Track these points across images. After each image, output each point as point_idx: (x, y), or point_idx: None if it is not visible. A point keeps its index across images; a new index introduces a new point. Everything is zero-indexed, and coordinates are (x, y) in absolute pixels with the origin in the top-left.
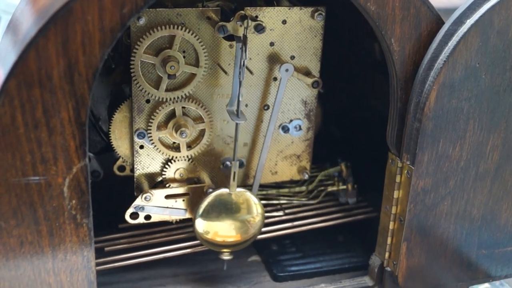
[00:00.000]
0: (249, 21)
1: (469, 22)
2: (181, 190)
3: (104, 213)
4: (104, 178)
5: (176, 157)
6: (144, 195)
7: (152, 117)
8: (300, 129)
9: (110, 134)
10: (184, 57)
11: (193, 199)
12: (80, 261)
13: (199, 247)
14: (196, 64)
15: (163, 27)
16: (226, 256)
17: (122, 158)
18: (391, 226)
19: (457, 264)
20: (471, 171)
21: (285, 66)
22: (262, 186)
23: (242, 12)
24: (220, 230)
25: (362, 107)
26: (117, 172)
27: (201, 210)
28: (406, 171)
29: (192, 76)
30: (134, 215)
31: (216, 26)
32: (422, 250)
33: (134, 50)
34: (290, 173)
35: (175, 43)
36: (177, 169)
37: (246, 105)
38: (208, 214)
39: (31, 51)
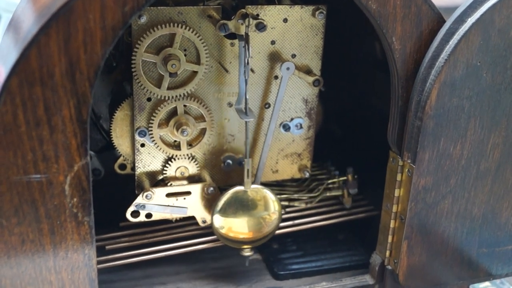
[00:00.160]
0: (250, 19)
1: (470, 20)
2: (182, 188)
3: (105, 212)
4: (105, 177)
5: (177, 156)
6: (145, 194)
7: (154, 115)
8: (301, 127)
9: (111, 132)
10: (185, 55)
11: (194, 197)
12: (81, 259)
13: (200, 245)
14: (198, 62)
15: (163, 25)
16: (247, 252)
17: (123, 156)
18: (392, 225)
19: (457, 262)
20: (472, 169)
21: (286, 65)
22: (263, 185)
23: (243, 10)
24: (240, 227)
25: (363, 106)
26: (118, 171)
27: (218, 207)
28: (407, 170)
29: (194, 74)
30: (135, 214)
31: (217, 24)
32: (423, 248)
33: (135, 49)
34: (291, 171)
35: (175, 41)
36: (178, 168)
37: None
38: (226, 211)
39: (32, 49)
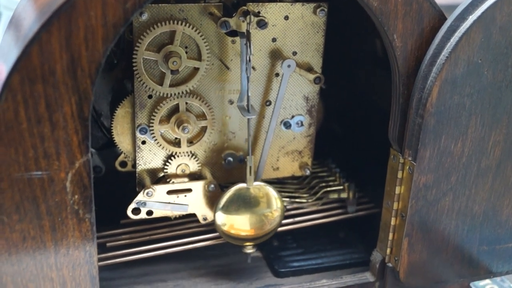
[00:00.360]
0: (252, 16)
1: (472, 18)
2: (183, 185)
3: (106, 209)
4: (105, 174)
5: (178, 153)
6: (146, 191)
7: (155, 112)
8: (302, 125)
9: (112, 129)
10: (186, 52)
11: (195, 194)
12: (82, 256)
13: (201, 242)
14: (199, 58)
15: (163, 23)
16: (249, 250)
17: (124, 153)
18: (392, 222)
19: (458, 260)
20: (472, 167)
21: (287, 62)
22: (264, 182)
23: (244, 7)
24: (242, 224)
25: (364, 103)
26: (119, 168)
27: (221, 204)
28: (408, 167)
29: (195, 70)
30: (136, 211)
31: (219, 21)
32: (423, 246)
33: (136, 47)
34: (291, 169)
35: (176, 38)
36: (179, 165)
37: None
38: (228, 208)
39: (34, 46)
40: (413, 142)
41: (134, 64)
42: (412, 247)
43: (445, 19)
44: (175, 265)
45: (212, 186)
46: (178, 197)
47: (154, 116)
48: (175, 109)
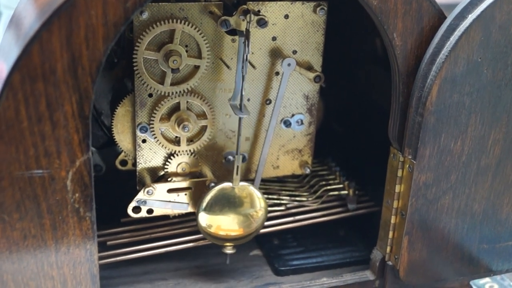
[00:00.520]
0: (252, 15)
1: (471, 16)
2: (183, 184)
3: (106, 208)
4: (106, 173)
5: (178, 151)
6: (147, 189)
7: (155, 110)
8: (302, 123)
9: (112, 128)
10: (186, 51)
11: (195, 193)
12: (83, 254)
13: (201, 241)
14: (199, 56)
15: (163, 22)
16: (229, 250)
17: (125, 152)
18: (392, 220)
19: (458, 258)
20: (472, 165)
21: (287, 61)
22: (264, 181)
23: (244, 6)
24: (223, 224)
25: (364, 102)
26: (119, 167)
27: (204, 204)
28: (407, 166)
29: (196, 69)
30: (137, 209)
31: (219, 20)
32: (423, 244)
33: (136, 46)
34: (291, 167)
35: (175, 37)
36: (179, 163)
37: (248, 100)
38: (211, 208)
39: (34, 44)
40: (413, 141)
41: (134, 64)
42: (412, 246)
43: (445, 18)
44: (176, 264)
45: (213, 184)
46: (178, 195)
47: (155, 114)
48: (175, 108)
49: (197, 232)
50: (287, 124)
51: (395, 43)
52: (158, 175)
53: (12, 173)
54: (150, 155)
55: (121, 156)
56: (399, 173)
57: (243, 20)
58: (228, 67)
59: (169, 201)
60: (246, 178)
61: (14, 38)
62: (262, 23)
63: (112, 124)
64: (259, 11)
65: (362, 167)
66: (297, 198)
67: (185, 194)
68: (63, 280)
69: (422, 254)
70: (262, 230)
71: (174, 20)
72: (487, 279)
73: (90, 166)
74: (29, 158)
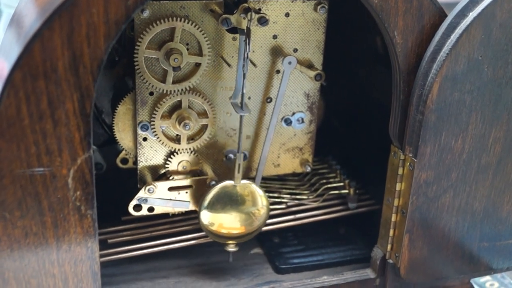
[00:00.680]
0: (253, 13)
1: (472, 15)
2: (184, 182)
3: (107, 206)
4: (107, 171)
5: (179, 150)
6: (148, 187)
7: (157, 108)
8: (303, 121)
9: (113, 126)
10: (187, 49)
11: (196, 191)
12: (84, 252)
13: (202, 239)
14: (200, 54)
15: (163, 20)
16: (231, 248)
17: (125, 150)
18: (393, 219)
19: (458, 256)
20: (473, 163)
21: (288, 59)
22: (265, 179)
23: (245, 4)
24: (225, 222)
25: (364, 100)
26: (120, 165)
27: (206, 202)
28: (408, 164)
29: (197, 66)
30: (137, 207)
31: (220, 18)
32: (424, 242)
33: (137, 45)
34: (292, 165)
35: (175, 35)
36: (180, 162)
37: (249, 98)
38: (213, 206)
39: (36, 43)
40: (413, 139)
41: (135, 63)
42: (413, 244)
43: (446, 16)
44: (177, 262)
45: (213, 182)
46: (179, 193)
47: (156, 112)
48: (176, 106)
49: (198, 230)
50: (288, 122)
51: (396, 41)
52: (159, 173)
53: (13, 171)
54: (151, 153)
55: (122, 154)
56: (400, 171)
57: (244, 18)
58: (228, 65)
59: (170, 199)
60: (247, 176)
61: (15, 37)
62: (263, 21)
63: (113, 122)
64: (260, 9)
65: (363, 165)
66: (298, 197)
67: (186, 192)
68: (64, 278)
69: (423, 252)
70: (263, 228)
71: (174, 18)
72: (487, 277)
73: (91, 164)
74: (31, 156)
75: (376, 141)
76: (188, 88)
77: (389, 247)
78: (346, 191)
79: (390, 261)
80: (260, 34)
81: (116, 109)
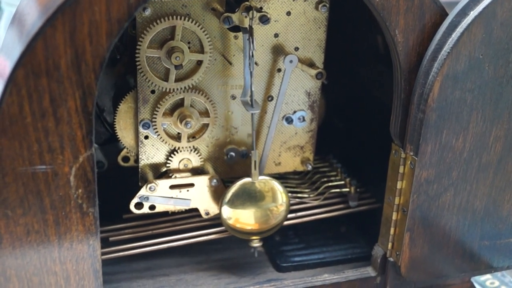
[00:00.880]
0: (254, 12)
1: (473, 13)
2: (185, 180)
3: (108, 204)
4: (108, 169)
5: (180, 148)
6: (149, 185)
7: (158, 106)
8: (304, 120)
9: (114, 124)
10: (189, 48)
11: (198, 189)
12: (86, 250)
13: (203, 237)
14: (201, 51)
15: (164, 19)
16: (256, 243)
17: (127, 148)
18: (394, 217)
19: (459, 255)
20: (474, 162)
21: (289, 57)
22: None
23: (247, 3)
24: (247, 218)
25: (365, 99)
26: (121, 163)
27: (227, 199)
28: (409, 162)
29: (199, 64)
30: (139, 205)
31: (221, 17)
32: (424, 240)
33: (139, 44)
34: (293, 164)
35: (176, 33)
36: (181, 160)
37: None
38: (234, 203)
39: (38, 40)
40: (414, 137)
41: (137, 62)
42: (414, 242)
43: (447, 14)
44: (178, 260)
45: (215, 181)
46: (180, 191)
47: (158, 109)
48: (178, 104)
49: (199, 228)
50: (289, 120)
51: (397, 40)
52: (160, 172)
53: (15, 168)
54: (152, 152)
55: (123, 153)
56: (401, 169)
57: (246, 17)
58: (230, 62)
59: (171, 197)
60: (247, 174)
61: (17, 35)
62: (264, 20)
63: (115, 120)
64: (261, 7)
65: (364, 163)
66: (299, 195)
67: (187, 191)
68: (66, 276)
69: (424, 250)
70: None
71: (174, 17)
72: (488, 276)
73: (93, 162)
74: (33, 154)
75: (377, 139)
76: (190, 86)
77: (389, 245)
78: (347, 189)
79: (391, 259)
80: (261, 33)
81: (118, 107)
